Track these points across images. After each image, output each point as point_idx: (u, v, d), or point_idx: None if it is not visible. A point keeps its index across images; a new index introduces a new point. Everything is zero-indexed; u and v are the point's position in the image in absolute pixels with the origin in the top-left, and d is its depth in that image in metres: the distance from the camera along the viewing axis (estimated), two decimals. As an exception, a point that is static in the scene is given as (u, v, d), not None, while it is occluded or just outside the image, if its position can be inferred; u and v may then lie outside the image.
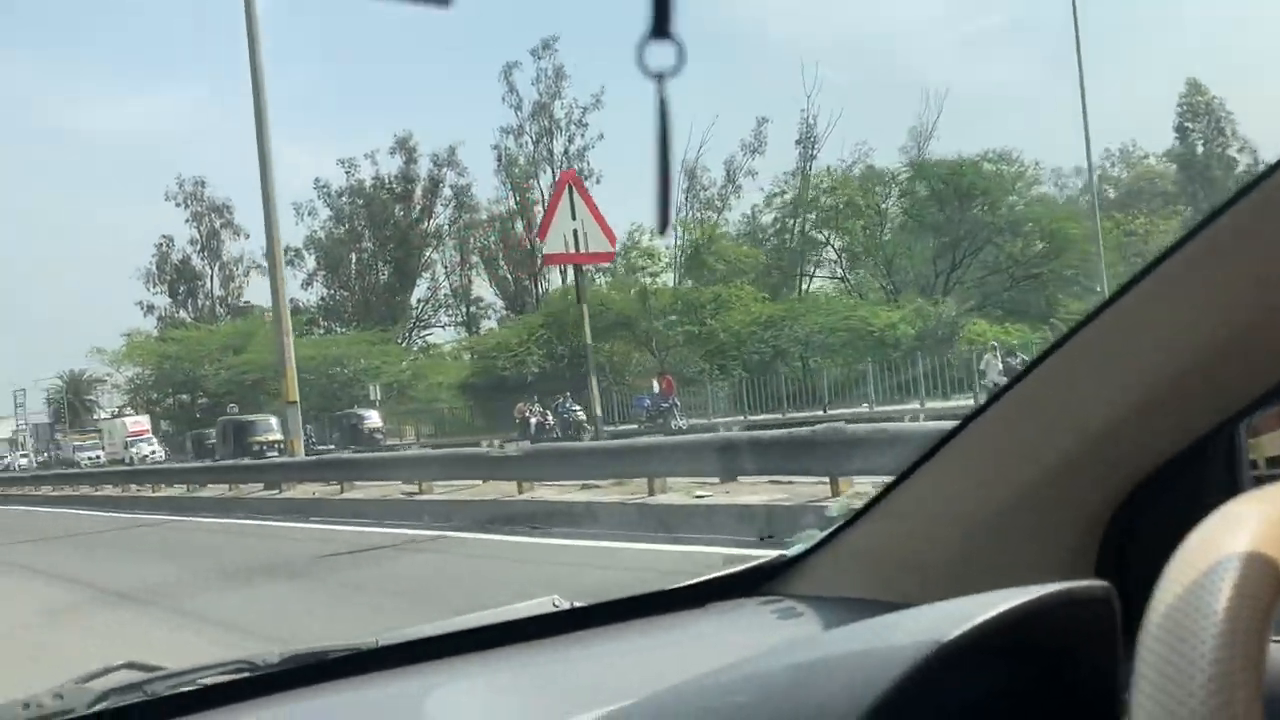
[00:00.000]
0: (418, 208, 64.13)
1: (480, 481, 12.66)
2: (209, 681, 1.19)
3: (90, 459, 47.14)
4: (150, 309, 65.52)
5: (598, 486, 10.54)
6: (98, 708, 1.11)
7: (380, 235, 64.52)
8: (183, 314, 65.66)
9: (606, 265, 59.06)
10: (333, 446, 38.11)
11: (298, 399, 18.49)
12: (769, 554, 1.50)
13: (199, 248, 65.75)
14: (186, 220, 65.11)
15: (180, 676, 1.19)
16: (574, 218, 10.72)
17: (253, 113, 18.10)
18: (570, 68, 54.98)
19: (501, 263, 63.41)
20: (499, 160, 59.03)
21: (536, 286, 63.11)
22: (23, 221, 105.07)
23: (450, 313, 65.57)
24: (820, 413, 26.58)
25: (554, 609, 1.43)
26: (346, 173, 64.96)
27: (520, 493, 11.18)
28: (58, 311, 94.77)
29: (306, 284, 65.49)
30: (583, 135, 57.95)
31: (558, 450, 11.31)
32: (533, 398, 29.31)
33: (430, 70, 79.60)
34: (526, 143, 58.77)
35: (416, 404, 48.27)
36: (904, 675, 0.70)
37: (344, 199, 65.30)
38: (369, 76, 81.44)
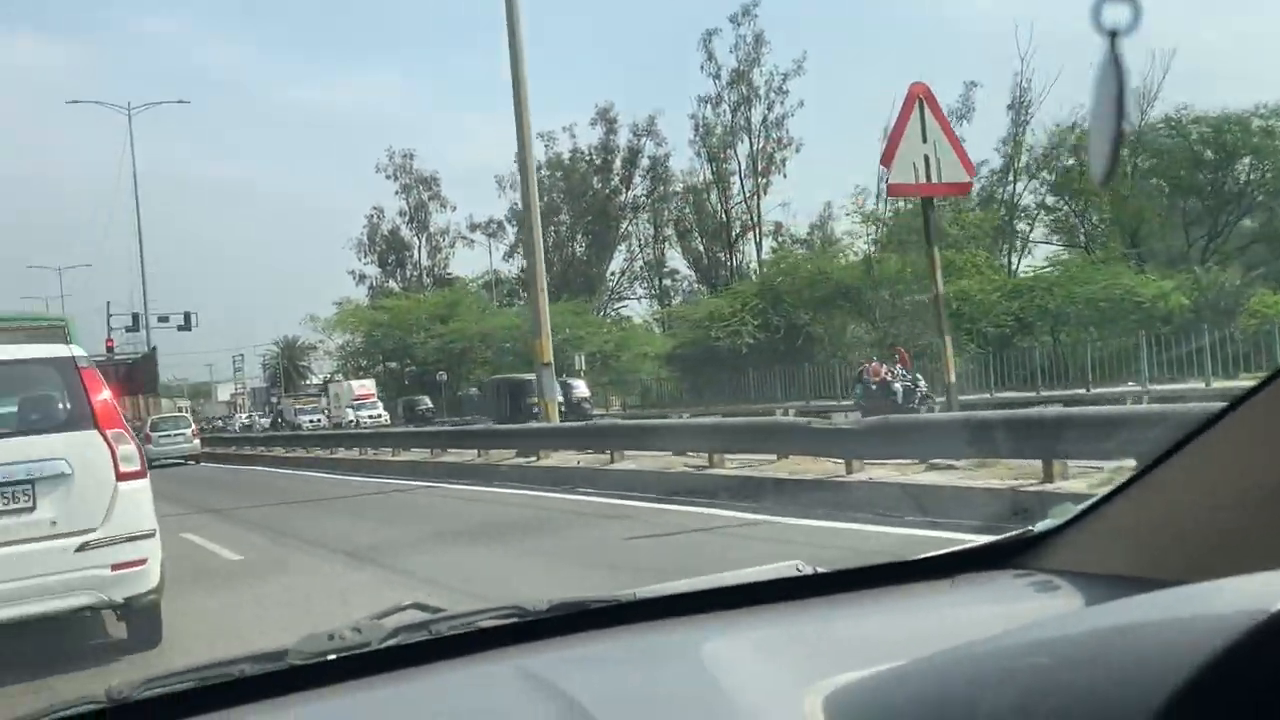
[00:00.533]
0: (616, 179, 63.98)
1: (775, 457, 11.40)
2: (485, 624, 1.28)
3: (311, 422, 48.63)
4: (361, 278, 67.71)
5: (954, 467, 9.07)
6: (390, 643, 1.20)
7: (577, 208, 64.77)
8: (391, 284, 67.50)
9: (804, 236, 57.64)
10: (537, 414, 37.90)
11: (552, 360, 17.64)
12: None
13: (407, 219, 67.44)
14: (396, 192, 66.89)
15: (460, 618, 1.29)
16: (925, 140, 9.12)
17: (510, 84, 17.42)
18: (770, 33, 53.42)
19: (695, 235, 62.79)
20: (696, 130, 58.06)
21: (730, 258, 62.08)
22: (241, 196, 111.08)
23: (644, 285, 65.41)
24: (1083, 391, 24.29)
25: (798, 573, 1.44)
26: (545, 146, 65.49)
27: (850, 472, 9.80)
28: (275, 280, 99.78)
29: (508, 255, 66.44)
30: (782, 103, 56.48)
31: (909, 423, 9.82)
32: (893, 357, 26.84)
33: (630, 41, 79.41)
34: (724, 112, 57.61)
35: (617, 374, 47.77)
36: (1233, 643, 0.69)
37: (543, 172, 65.89)
38: (568, 50, 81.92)
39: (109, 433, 5.99)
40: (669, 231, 64.30)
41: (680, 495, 11.16)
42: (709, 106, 56.71)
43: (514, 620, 1.30)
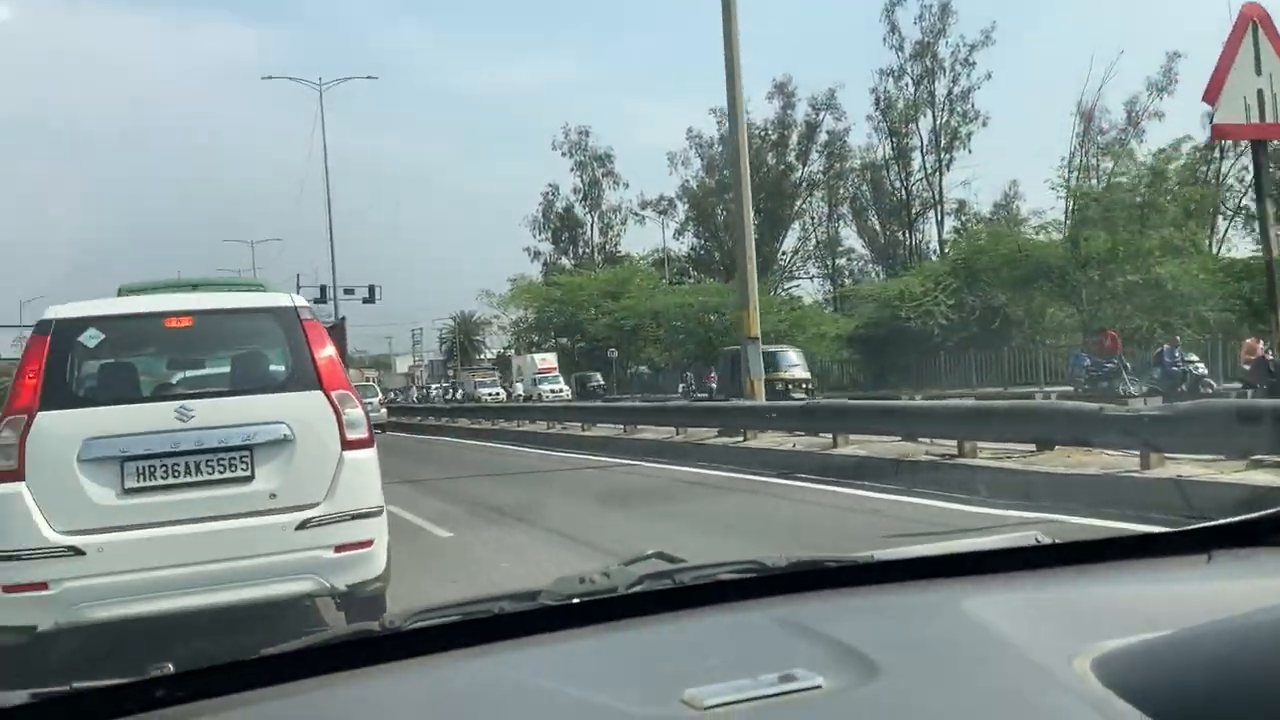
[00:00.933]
0: (792, 154, 62.57)
1: (1034, 447, 9.91)
2: (726, 576, 1.31)
3: (491, 395, 49.01)
4: (536, 255, 68.21)
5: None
6: (636, 589, 1.25)
7: (750, 185, 63.53)
8: (564, 260, 67.75)
9: (988, 214, 54.78)
10: (707, 394, 37.02)
11: (759, 333, 16.46)
12: None
13: (581, 196, 67.49)
14: (571, 169, 67.03)
15: (702, 569, 1.31)
16: (1259, 71, 7.43)
17: (723, 54, 16.37)
18: (958, 3, 50.82)
19: (872, 213, 60.82)
20: (876, 104, 56.01)
21: (909, 237, 59.74)
22: (420, 174, 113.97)
23: (817, 264, 63.76)
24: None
25: (1037, 544, 1.42)
26: (718, 122, 64.54)
27: (1146, 467, 8.28)
28: (452, 256, 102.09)
29: (679, 234, 65.77)
30: (968, 75, 53.97)
31: (1234, 409, 8.25)
32: (1104, 341, 24.40)
33: (810, 13, 77.30)
34: (906, 85, 55.53)
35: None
36: None
37: (715, 148, 64.91)
38: (744, 23, 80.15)
39: (334, 394, 5.14)
40: (844, 209, 62.63)
41: (926, 488, 9.85)
42: (890, 80, 54.78)
43: (754, 574, 1.31)
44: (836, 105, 59.80)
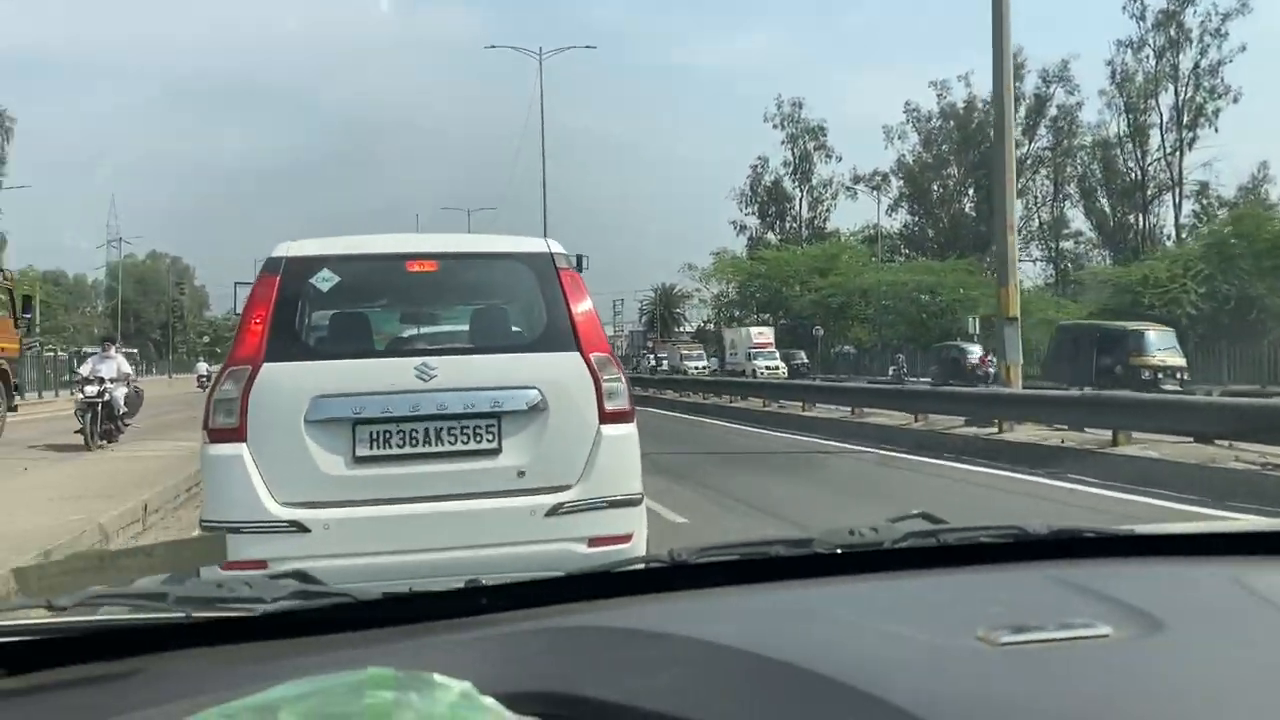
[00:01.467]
0: (1018, 129, 59.36)
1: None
2: (987, 539, 1.30)
3: (697, 368, 48.26)
4: (741, 229, 67.19)
5: None
6: (902, 545, 1.26)
7: (968, 160, 60.85)
8: (770, 235, 66.46)
9: (1231, 199, 49.99)
10: (928, 380, 35.03)
11: (1019, 315, 14.82)
12: None
13: (791, 170, 65.94)
14: (782, 142, 65.63)
15: (965, 530, 1.32)
16: None
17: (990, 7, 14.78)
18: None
19: (1101, 194, 57.11)
20: (1111, 78, 52.04)
21: (1143, 221, 55.64)
22: (625, 147, 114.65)
23: (1040, 246, 60.21)
24: None
25: None
26: (938, 95, 61.92)
27: None
28: (656, 225, 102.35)
29: (891, 210, 63.41)
30: (1219, 47, 49.42)
31: None
32: None
33: (1036, -22, 72.78)
34: (1147, 58, 51.49)
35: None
36: None
37: (934, 123, 62.30)
38: (967, -11, 76.38)
39: (593, 357, 4.27)
40: (1071, 189, 58.98)
41: (1241, 501, 8.23)
42: (1129, 51, 50.99)
43: (1017, 539, 1.30)
44: (1068, 78, 56.55)
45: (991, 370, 34.58)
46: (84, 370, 14.63)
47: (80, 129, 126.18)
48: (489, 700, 0.77)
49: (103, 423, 14.00)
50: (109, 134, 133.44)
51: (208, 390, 4.16)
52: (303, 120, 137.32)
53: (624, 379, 4.40)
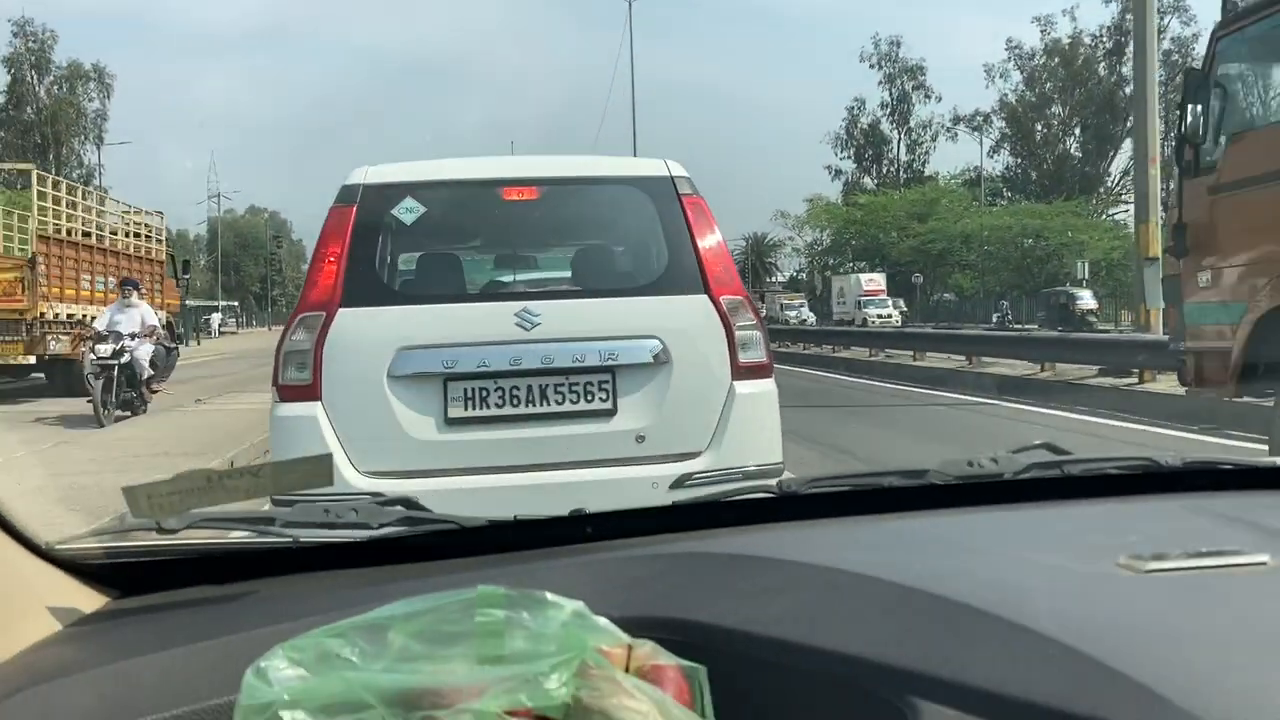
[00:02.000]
0: (1128, 64, 56.63)
1: None
2: (1114, 470, 1.24)
3: (797, 317, 47.13)
4: (837, 174, 65.32)
5: None
6: (1023, 475, 1.22)
7: (1074, 100, 58.28)
8: (866, 180, 64.66)
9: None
10: (1035, 327, 33.59)
11: (1160, 253, 13.43)
12: None
13: (889, 111, 63.84)
14: (879, 83, 63.57)
15: (1091, 462, 1.25)
16: None
17: None
18: None
19: (1219, 131, 54.24)
20: (1223, 7, 48.92)
21: (1270, 159, 52.71)
22: (716, 93, 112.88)
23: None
24: None
25: None
26: (1042, 31, 59.25)
27: None
28: (748, 173, 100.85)
29: (993, 152, 61.06)
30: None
31: None
32: None
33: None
34: (1271, -19, 48.19)
35: (1122, 286, 41.47)
36: None
37: (1037, 60, 59.64)
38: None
39: (724, 300, 3.58)
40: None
41: None
42: (1249, -24, 47.77)
43: (1145, 470, 1.24)
44: (1184, 8, 53.43)
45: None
46: (98, 324, 11.65)
47: (179, 85, 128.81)
48: (602, 620, 0.77)
49: (121, 390, 11.18)
50: (207, 90, 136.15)
51: (278, 341, 3.57)
52: (383, 71, 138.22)
53: (760, 326, 3.70)
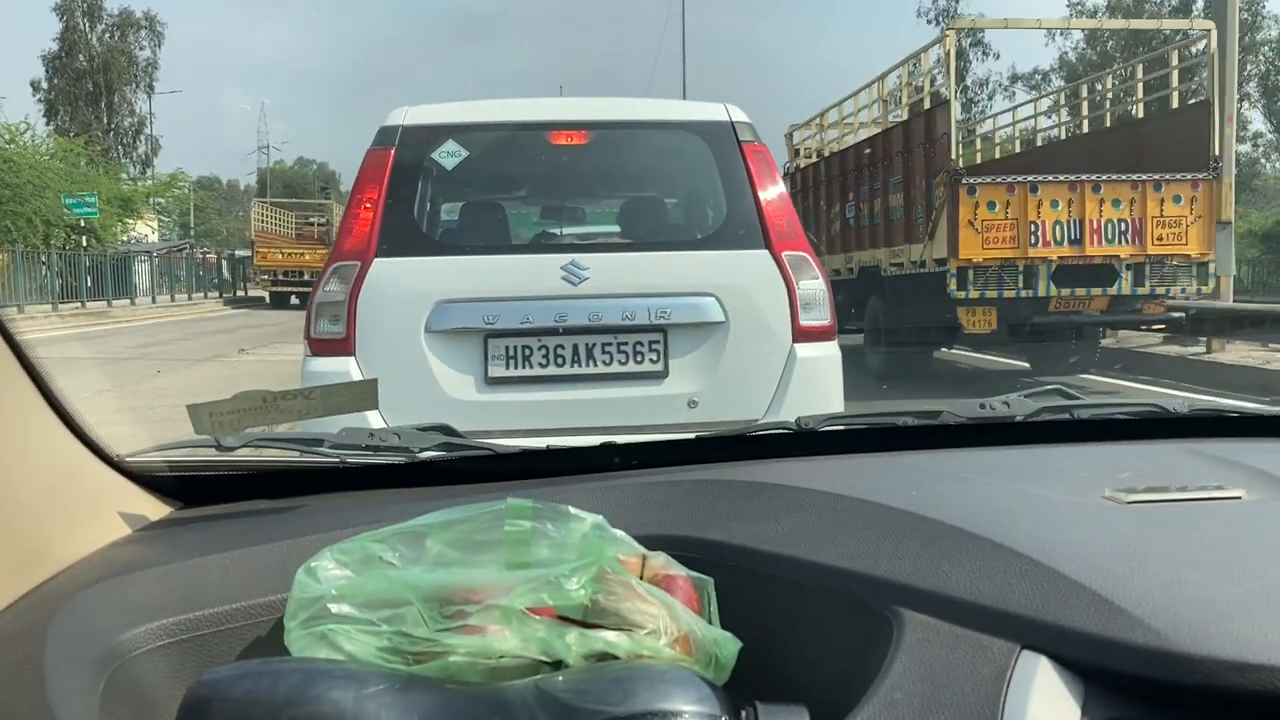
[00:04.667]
0: (1194, 19, 55.14)
1: None
2: (1122, 415, 1.29)
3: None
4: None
5: None
6: (1034, 418, 1.24)
7: (1136, 58, 56.71)
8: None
9: None
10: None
11: (1232, 217, 12.98)
12: None
13: (944, 69, 62.58)
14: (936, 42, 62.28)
15: (1101, 406, 1.31)
16: None
17: None
18: None
19: (1282, 92, 52.67)
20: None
21: (1334, 120, 51.09)
22: (764, 51, 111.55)
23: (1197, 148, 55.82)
24: None
25: None
26: (1105, -14, 57.45)
27: None
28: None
29: (1051, 111, 59.62)
30: None
31: None
32: None
33: None
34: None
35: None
36: None
37: (1099, 15, 58.03)
38: None
39: (785, 256, 3.41)
40: (1250, 88, 54.40)
41: None
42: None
43: (1154, 415, 1.29)
44: (1256, -33, 51.48)
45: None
46: None
47: (230, 35, 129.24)
48: (620, 533, 0.84)
49: None
50: (257, 40, 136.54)
51: (311, 291, 3.47)
52: (433, 16, 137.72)
53: (825, 284, 3.53)
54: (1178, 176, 9.64)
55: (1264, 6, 51.29)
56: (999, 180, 9.50)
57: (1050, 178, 9.49)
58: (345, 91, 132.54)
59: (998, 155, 15.10)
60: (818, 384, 3.43)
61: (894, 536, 0.83)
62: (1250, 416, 1.34)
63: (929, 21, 61.49)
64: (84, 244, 28.30)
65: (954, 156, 9.60)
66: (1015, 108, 17.31)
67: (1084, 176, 9.42)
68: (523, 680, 0.71)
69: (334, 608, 0.76)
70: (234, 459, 1.09)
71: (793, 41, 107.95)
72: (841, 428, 1.26)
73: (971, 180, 9.39)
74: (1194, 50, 11.58)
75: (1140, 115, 11.82)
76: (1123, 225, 9.50)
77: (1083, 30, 58.60)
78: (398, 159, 3.44)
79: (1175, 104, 11.35)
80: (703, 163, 3.69)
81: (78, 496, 0.96)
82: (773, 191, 3.52)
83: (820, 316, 3.46)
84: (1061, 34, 58.95)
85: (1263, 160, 54.47)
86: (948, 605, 0.72)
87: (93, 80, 53.77)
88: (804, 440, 1.23)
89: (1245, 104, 55.00)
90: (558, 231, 4.40)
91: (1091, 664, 0.65)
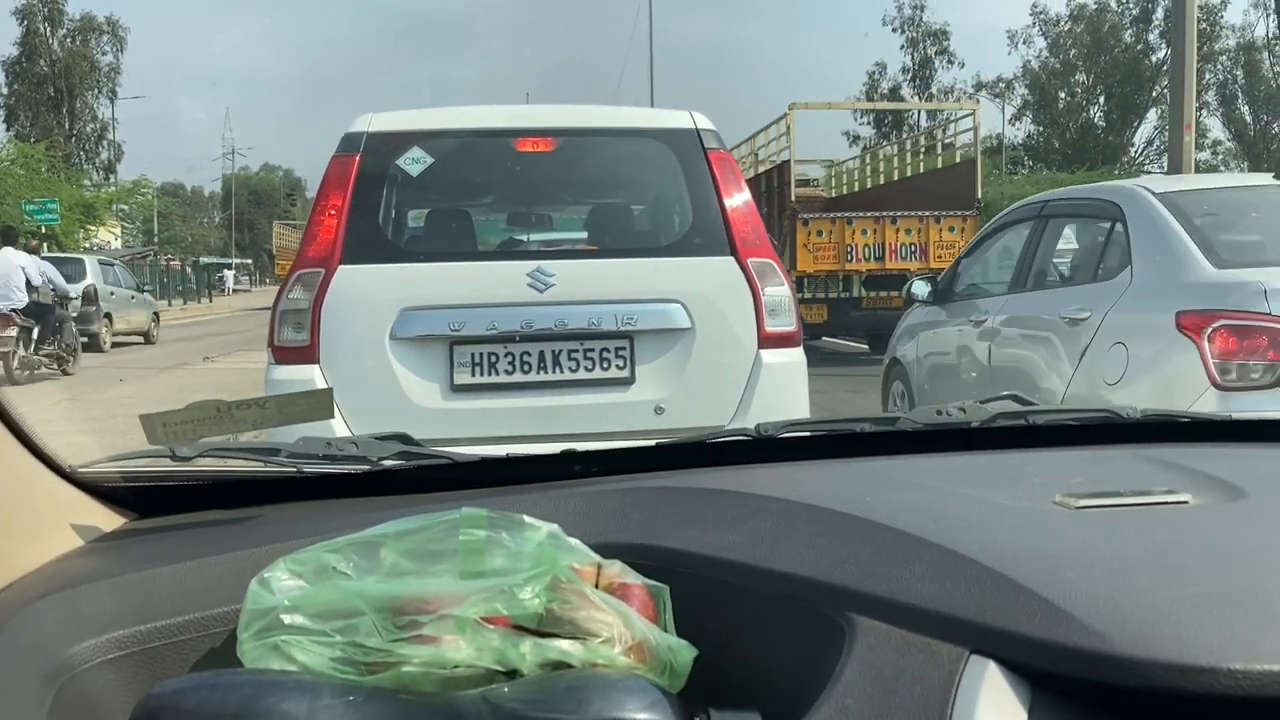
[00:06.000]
0: (1155, 31, 56.07)
1: None
2: (1073, 422, 1.33)
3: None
4: (855, 139, 64.65)
5: None
6: (990, 425, 1.28)
7: (1098, 67, 57.51)
8: (885, 145, 64.07)
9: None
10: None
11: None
12: None
13: (910, 76, 63.10)
14: (901, 46, 62.84)
15: (1055, 413, 1.37)
16: None
17: None
18: None
19: (1241, 102, 53.60)
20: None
21: (1290, 129, 52.18)
22: (730, 53, 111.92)
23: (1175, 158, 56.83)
24: None
25: None
26: (1067, -4, 58.35)
27: None
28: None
29: (1015, 119, 60.41)
30: (1381, -61, 45.39)
31: None
32: None
33: None
34: (1300, -50, 47.71)
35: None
36: None
37: (1062, 25, 58.86)
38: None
39: (751, 263, 3.43)
40: (1209, 97, 55.35)
41: None
42: (1281, -56, 47.25)
43: (1106, 421, 1.30)
44: (1213, -24, 52.61)
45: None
46: None
47: (192, 40, 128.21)
48: (575, 541, 0.84)
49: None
50: (220, 45, 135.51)
51: (274, 299, 3.45)
52: (396, 23, 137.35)
53: (790, 291, 3.55)
54: (952, 213, 13.14)
55: (1222, 16, 52.31)
56: (825, 215, 13.61)
57: (861, 214, 13.46)
58: (312, 97, 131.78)
59: (831, 194, 20.54)
60: (783, 390, 3.45)
61: (847, 542, 0.84)
62: (1201, 422, 1.38)
63: (894, 30, 62.15)
64: (45, 251, 27.94)
65: (792, 199, 13.40)
66: (843, 163, 23.41)
67: (885, 213, 13.20)
68: (476, 690, 0.71)
69: (287, 619, 0.75)
70: (189, 469, 1.08)
71: (760, 48, 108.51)
72: (801, 434, 1.28)
73: (805, 215, 13.26)
74: (959, 126, 15.81)
75: (922, 170, 15.84)
76: (913, 247, 13.07)
77: (1046, 38, 59.40)
78: (362, 165, 3.42)
79: (957, 159, 15.07)
80: (669, 170, 3.70)
81: (28, 509, 0.95)
82: (738, 199, 3.54)
83: (786, 323, 3.49)
84: (1025, 42, 59.84)
85: (1222, 167, 55.46)
86: (898, 611, 0.73)
87: (54, 85, 53.10)
88: (764, 447, 1.24)
89: (1204, 112, 56.11)
90: (524, 238, 4.41)
91: (1038, 668, 0.66)
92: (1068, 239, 5.61)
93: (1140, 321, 3.82)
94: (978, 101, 16.22)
